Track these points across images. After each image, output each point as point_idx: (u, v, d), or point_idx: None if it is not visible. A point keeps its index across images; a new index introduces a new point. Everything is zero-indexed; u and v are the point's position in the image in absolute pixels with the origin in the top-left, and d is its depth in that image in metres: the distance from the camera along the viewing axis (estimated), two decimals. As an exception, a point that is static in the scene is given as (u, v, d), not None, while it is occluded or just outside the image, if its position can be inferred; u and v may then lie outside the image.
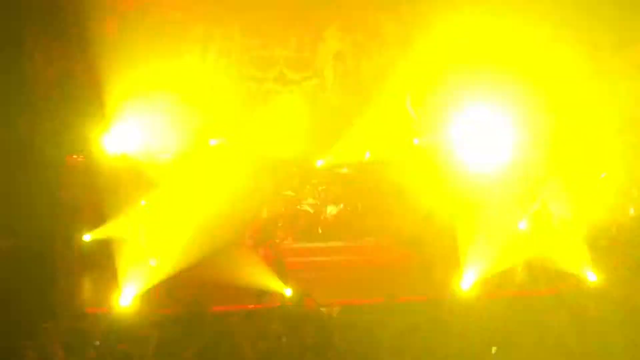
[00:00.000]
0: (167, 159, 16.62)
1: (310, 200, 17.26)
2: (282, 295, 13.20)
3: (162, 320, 12.17)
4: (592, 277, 14.35)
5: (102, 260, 14.01)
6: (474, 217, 15.77)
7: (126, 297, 12.51)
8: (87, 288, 13.20)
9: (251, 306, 13.22)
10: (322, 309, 12.59)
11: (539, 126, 16.21)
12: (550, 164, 16.24)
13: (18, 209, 13.16)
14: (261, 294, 13.46)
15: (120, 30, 16.68)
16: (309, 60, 18.61)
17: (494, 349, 11.22)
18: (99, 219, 14.94)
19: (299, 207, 17.00)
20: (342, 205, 17.31)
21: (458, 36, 16.76)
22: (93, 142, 14.96)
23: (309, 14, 18.20)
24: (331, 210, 17.21)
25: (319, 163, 17.84)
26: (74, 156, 15.07)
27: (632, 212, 16.06)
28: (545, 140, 16.11)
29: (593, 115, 15.80)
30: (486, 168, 16.47)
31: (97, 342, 10.99)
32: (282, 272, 13.57)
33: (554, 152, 16.12)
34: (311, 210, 17.04)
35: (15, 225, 13.05)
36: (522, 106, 15.91)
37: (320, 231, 17.04)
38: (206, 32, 17.93)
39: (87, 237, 14.68)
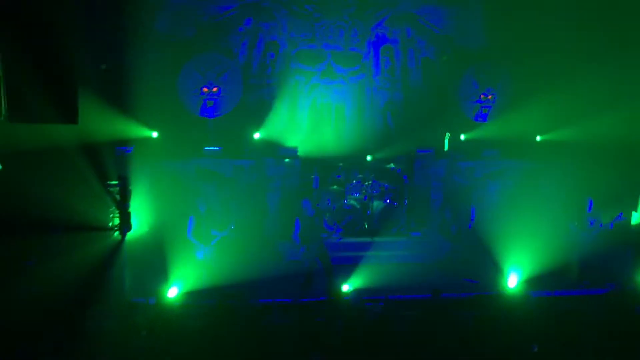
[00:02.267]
0: (217, 152, 16.82)
1: (357, 196, 17.18)
2: (328, 290, 13.17)
3: (207, 312, 12.27)
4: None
5: (150, 251, 14.16)
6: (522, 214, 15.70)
7: (173, 289, 12.60)
8: (134, 278, 13.31)
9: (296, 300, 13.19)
10: (368, 304, 12.55)
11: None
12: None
13: (66, 199, 13.33)
14: (307, 285, 13.45)
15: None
16: (356, 55, 18.62)
17: (535, 348, 11.06)
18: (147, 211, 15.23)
19: (345, 202, 16.93)
20: (388, 201, 17.20)
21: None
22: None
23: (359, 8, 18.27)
24: (377, 205, 17.12)
25: (366, 158, 17.86)
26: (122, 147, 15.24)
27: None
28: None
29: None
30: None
31: (144, 332, 11.10)
32: (328, 266, 13.54)
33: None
34: (357, 206, 16.95)
35: (65, 215, 13.21)
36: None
37: (366, 226, 16.96)
38: (254, 25, 18.07)
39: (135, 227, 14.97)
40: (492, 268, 14.46)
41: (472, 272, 14.83)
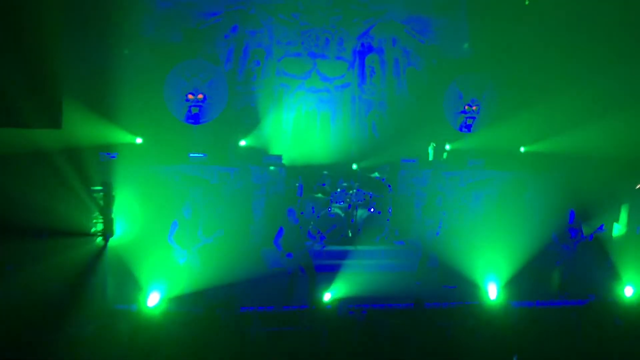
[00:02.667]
0: (202, 159, 16.82)
1: (341, 204, 17.20)
2: (311, 298, 13.16)
3: (189, 319, 12.24)
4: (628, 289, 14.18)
5: (132, 258, 14.09)
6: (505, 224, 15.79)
7: (155, 296, 12.54)
8: (116, 285, 13.25)
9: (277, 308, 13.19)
10: (351, 311, 12.55)
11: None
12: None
13: (49, 204, 13.28)
14: (290, 293, 13.46)
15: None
16: (342, 63, 18.67)
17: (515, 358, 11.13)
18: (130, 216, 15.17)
19: (329, 210, 16.93)
20: (372, 209, 17.23)
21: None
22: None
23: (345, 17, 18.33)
24: (362, 213, 17.15)
25: (352, 166, 17.90)
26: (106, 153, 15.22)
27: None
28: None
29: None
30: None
31: (126, 340, 11.05)
32: (312, 274, 13.54)
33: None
34: (342, 214, 16.97)
35: (47, 220, 13.15)
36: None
37: (350, 234, 16.98)
38: (240, 32, 18.10)
39: (118, 233, 14.91)
40: (471, 277, 14.49)
41: (451, 280, 14.84)
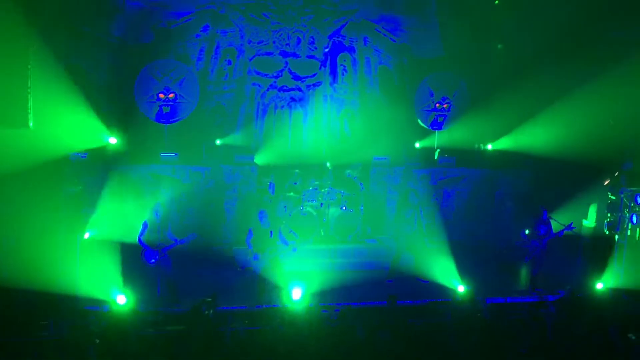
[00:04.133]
0: (173, 158, 16.78)
1: (313, 202, 17.23)
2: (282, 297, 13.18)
3: (161, 319, 12.23)
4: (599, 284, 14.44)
5: (103, 258, 14.02)
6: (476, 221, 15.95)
7: (123, 297, 12.49)
8: (87, 286, 13.17)
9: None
10: (324, 311, 12.59)
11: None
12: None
13: (20, 205, 13.23)
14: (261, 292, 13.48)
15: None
16: (314, 62, 18.70)
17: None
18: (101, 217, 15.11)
19: (301, 208, 16.95)
20: (344, 207, 17.26)
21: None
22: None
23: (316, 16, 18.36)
24: (334, 212, 17.18)
25: (325, 165, 17.92)
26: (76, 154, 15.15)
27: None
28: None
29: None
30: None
31: (97, 340, 11.00)
32: (282, 273, 13.57)
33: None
34: (314, 212, 16.99)
35: (19, 220, 13.11)
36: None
37: (322, 233, 17.02)
38: (211, 31, 18.06)
39: (88, 234, 14.83)
40: (443, 275, 14.60)
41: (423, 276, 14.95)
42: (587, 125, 16.21)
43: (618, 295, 14.20)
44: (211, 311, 11.51)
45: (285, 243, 13.76)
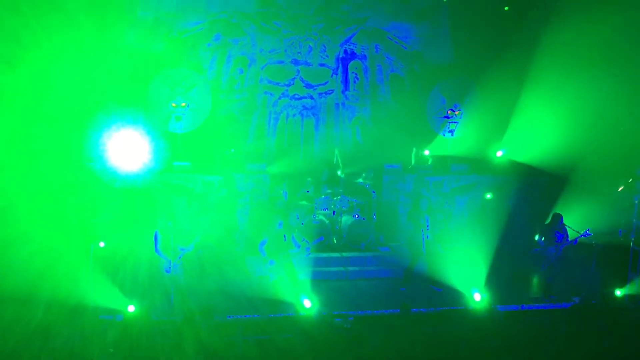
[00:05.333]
0: (186, 167, 16.80)
1: (326, 210, 17.20)
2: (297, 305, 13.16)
3: (174, 329, 12.21)
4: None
5: (115, 267, 14.04)
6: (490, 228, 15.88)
7: (138, 305, 12.50)
8: (101, 295, 13.19)
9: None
10: (337, 319, 12.56)
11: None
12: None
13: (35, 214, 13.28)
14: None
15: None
16: (325, 70, 18.72)
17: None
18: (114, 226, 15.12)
19: (314, 216, 16.93)
20: (357, 215, 17.24)
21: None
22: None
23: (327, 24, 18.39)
24: (346, 220, 17.16)
25: (336, 173, 17.90)
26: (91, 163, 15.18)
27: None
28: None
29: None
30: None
31: (111, 350, 11.02)
32: (296, 281, 13.56)
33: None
34: (326, 220, 16.97)
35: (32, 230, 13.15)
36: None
37: (335, 241, 16.99)
38: (224, 41, 18.11)
39: (102, 243, 14.84)
40: (457, 282, 14.55)
41: (437, 286, 14.89)
42: (601, 130, 16.11)
43: (635, 302, 14.12)
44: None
45: (298, 245, 13.79)
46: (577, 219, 15.48)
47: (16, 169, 13.53)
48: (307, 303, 12.91)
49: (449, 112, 18.50)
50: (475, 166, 18.15)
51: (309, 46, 18.53)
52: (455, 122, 18.27)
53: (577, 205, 16.11)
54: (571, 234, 14.53)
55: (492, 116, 17.79)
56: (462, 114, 18.44)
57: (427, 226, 15.15)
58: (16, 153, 13.67)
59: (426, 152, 18.50)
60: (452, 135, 18.60)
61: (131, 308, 12.39)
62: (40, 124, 14.07)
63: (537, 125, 17.15)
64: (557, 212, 14.79)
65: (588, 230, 14.40)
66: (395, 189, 18.09)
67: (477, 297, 13.82)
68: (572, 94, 16.47)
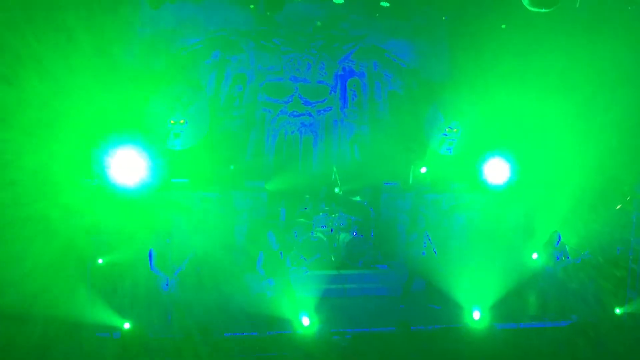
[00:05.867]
0: (184, 184, 16.77)
1: (324, 228, 17.18)
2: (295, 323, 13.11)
3: (171, 346, 12.17)
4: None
5: (114, 284, 14.02)
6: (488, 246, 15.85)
7: (137, 322, 12.47)
8: (98, 312, 13.16)
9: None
10: (335, 337, 12.53)
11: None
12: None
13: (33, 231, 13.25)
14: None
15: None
16: (324, 88, 18.76)
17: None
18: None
19: (312, 234, 16.91)
20: (355, 233, 17.22)
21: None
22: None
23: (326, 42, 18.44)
24: (344, 237, 17.13)
25: (334, 190, 17.89)
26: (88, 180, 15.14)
27: None
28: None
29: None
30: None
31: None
32: (294, 299, 13.52)
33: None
34: (324, 238, 16.94)
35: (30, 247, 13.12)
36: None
37: (333, 259, 16.95)
38: (222, 58, 18.15)
39: (101, 260, 14.81)
40: (455, 300, 14.52)
41: (436, 303, 14.87)
42: (600, 148, 16.13)
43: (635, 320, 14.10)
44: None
45: (291, 265, 13.79)
46: (575, 236, 15.51)
47: (13, 185, 13.48)
48: (305, 321, 12.86)
49: (447, 129, 18.51)
50: (474, 184, 18.13)
51: (308, 63, 18.58)
52: (453, 140, 18.29)
53: (576, 222, 16.13)
54: (569, 252, 14.54)
55: (490, 133, 17.79)
56: (460, 131, 18.45)
57: (425, 244, 15.14)
58: (12, 170, 13.62)
59: (423, 170, 18.44)
60: (451, 152, 18.61)
61: (126, 325, 12.35)
62: (37, 141, 14.02)
63: (537, 143, 17.16)
64: (556, 230, 14.80)
65: (587, 252, 14.43)
66: (393, 207, 18.09)
67: (477, 316, 13.79)
68: (572, 111, 16.51)
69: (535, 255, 14.74)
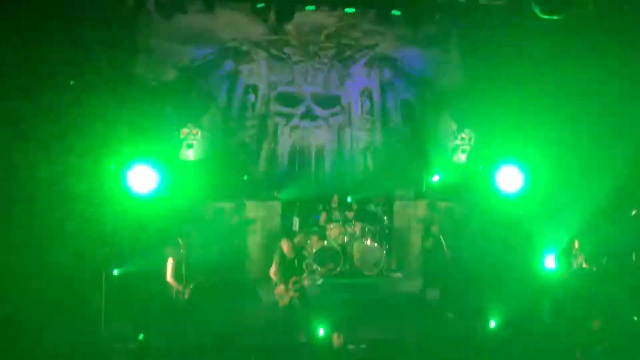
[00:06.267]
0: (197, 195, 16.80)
1: (337, 237, 17.18)
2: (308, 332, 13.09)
3: (187, 355, 12.18)
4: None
5: (129, 295, 14.05)
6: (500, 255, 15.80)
7: (151, 333, 12.49)
8: (115, 323, 13.21)
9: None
10: (349, 346, 12.48)
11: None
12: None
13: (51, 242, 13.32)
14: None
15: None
16: (336, 97, 18.78)
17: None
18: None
19: (325, 243, 16.90)
20: (368, 242, 17.20)
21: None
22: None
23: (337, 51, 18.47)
24: (358, 246, 17.11)
25: (347, 199, 17.90)
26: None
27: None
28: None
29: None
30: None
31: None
32: (307, 308, 13.50)
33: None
34: (338, 247, 16.94)
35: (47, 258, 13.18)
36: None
37: (346, 267, 16.93)
38: (233, 68, 18.20)
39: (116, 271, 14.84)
40: (471, 307, 14.47)
41: (451, 311, 14.83)
42: (614, 154, 16.06)
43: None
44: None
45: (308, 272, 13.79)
46: (591, 243, 15.42)
47: (29, 196, 13.56)
48: (321, 330, 12.85)
49: (460, 137, 18.48)
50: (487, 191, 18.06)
51: (320, 72, 18.61)
52: (466, 148, 18.26)
53: (591, 230, 16.04)
54: (585, 259, 14.48)
55: (504, 141, 17.73)
56: (473, 139, 18.42)
57: (439, 251, 15.13)
58: (28, 181, 13.70)
59: (435, 178, 18.41)
60: (464, 160, 18.57)
61: (140, 336, 12.37)
62: (53, 153, 14.10)
63: (551, 150, 17.08)
64: (571, 237, 14.75)
65: (604, 259, 14.37)
66: (406, 215, 18.06)
67: (493, 322, 13.74)
68: (586, 118, 16.45)
69: (550, 263, 14.66)
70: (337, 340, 11.89)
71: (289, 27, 17.85)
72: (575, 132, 16.61)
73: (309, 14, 17.71)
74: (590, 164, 16.23)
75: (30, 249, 13.24)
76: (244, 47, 18.14)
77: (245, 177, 18.02)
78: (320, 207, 17.69)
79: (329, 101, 18.89)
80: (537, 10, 13.54)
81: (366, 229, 17.41)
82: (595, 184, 16.01)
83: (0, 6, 13.08)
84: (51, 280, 13.12)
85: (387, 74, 19.09)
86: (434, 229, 15.86)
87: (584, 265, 14.52)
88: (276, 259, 13.45)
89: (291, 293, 13.31)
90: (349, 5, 17.41)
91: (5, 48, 13.14)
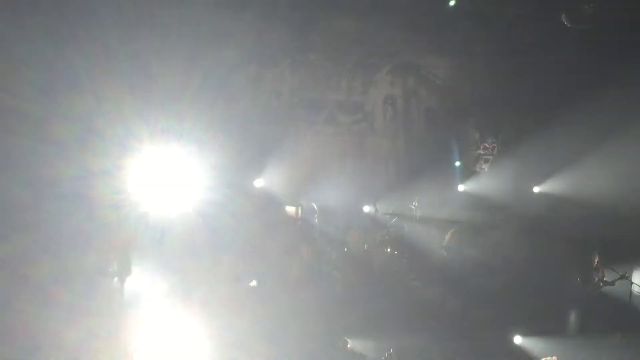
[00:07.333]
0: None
1: (357, 244, 17.14)
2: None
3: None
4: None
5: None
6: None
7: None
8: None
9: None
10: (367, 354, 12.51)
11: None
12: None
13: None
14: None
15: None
16: (359, 104, 18.70)
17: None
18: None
19: (345, 249, 16.88)
20: (388, 249, 17.14)
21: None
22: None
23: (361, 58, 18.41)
24: (378, 254, 17.07)
25: (367, 208, 17.85)
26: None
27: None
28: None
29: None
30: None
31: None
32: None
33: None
34: (357, 254, 16.91)
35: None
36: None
37: (367, 275, 16.88)
38: (257, 73, 18.16)
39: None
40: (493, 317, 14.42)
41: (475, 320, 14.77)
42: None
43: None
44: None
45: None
46: (613, 255, 15.29)
47: (49, 199, 13.59)
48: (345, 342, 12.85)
49: (483, 146, 18.38)
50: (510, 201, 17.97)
51: (343, 79, 18.54)
52: (489, 157, 18.15)
53: (612, 242, 15.91)
54: (609, 274, 14.36)
55: (528, 152, 17.62)
56: (496, 149, 18.31)
57: (459, 262, 15.09)
58: (47, 184, 13.74)
59: (460, 188, 18.33)
60: (486, 170, 18.48)
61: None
62: (72, 155, 14.14)
63: (577, 163, 16.98)
64: (596, 250, 14.63)
65: (626, 272, 14.24)
66: (427, 223, 17.96)
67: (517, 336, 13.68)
68: (608, 126, 16.35)
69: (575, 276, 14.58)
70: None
71: (313, 33, 17.80)
72: (597, 141, 16.56)
73: (334, 20, 17.65)
74: (613, 174, 16.20)
75: (48, 252, 13.28)
76: (268, 52, 18.08)
77: (261, 183, 17.95)
78: (341, 213, 17.62)
79: (352, 108, 18.81)
80: (564, 20, 13.45)
81: (387, 237, 17.33)
82: (617, 196, 15.97)
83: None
84: (72, 283, 13.15)
85: (411, 81, 18.97)
86: (454, 237, 15.80)
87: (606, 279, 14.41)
88: (293, 265, 13.45)
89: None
90: (374, 13, 17.33)
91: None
